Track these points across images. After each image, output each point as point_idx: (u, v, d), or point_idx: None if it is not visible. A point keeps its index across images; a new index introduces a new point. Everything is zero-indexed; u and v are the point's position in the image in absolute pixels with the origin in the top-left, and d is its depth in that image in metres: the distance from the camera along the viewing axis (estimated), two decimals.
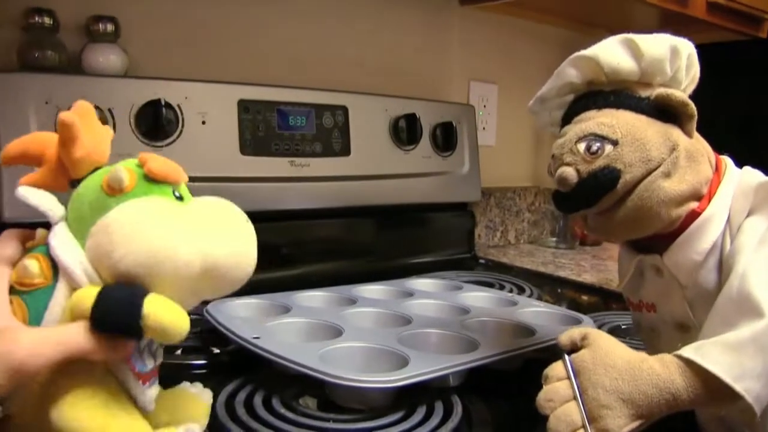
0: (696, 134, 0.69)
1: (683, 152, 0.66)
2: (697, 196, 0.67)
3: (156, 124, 1.07)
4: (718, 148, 0.73)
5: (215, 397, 0.71)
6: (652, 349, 0.76)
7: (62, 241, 0.50)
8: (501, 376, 0.83)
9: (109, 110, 1.03)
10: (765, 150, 0.73)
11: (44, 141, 0.54)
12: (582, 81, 0.72)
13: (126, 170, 0.51)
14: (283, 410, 0.69)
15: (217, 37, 1.30)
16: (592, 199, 0.67)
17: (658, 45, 0.67)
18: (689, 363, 0.59)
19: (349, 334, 0.83)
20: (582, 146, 0.66)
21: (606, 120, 0.66)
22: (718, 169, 0.69)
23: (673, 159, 0.65)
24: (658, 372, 0.59)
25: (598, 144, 0.65)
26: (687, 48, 0.68)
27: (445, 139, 1.48)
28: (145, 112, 1.07)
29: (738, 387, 0.57)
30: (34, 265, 0.50)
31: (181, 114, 1.11)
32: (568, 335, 0.66)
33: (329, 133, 1.30)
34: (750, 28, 1.82)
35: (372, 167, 1.37)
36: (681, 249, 0.68)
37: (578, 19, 1.91)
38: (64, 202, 0.54)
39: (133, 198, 0.50)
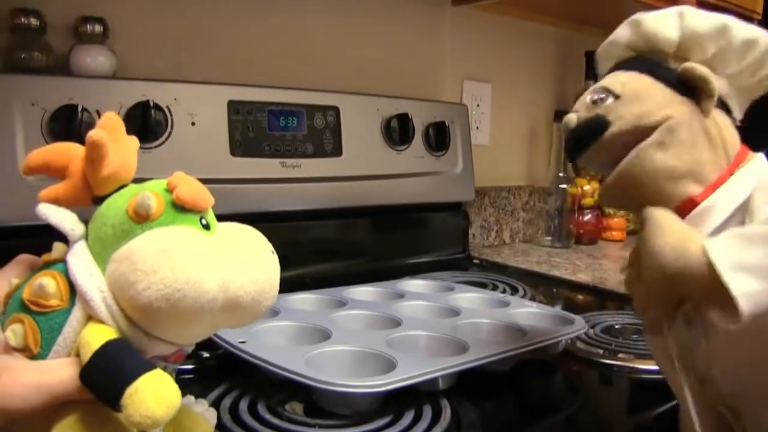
0: (721, 120, 0.66)
1: (686, 126, 0.64)
2: (697, 179, 0.64)
3: (145, 125, 1.06)
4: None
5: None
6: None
7: (82, 264, 0.48)
8: (492, 378, 0.83)
9: (97, 112, 1.02)
10: (756, 147, 0.71)
11: (69, 153, 0.52)
12: (629, 41, 0.71)
13: (154, 196, 0.49)
14: (268, 416, 0.69)
15: (206, 38, 1.29)
16: (580, 146, 0.68)
17: (706, 21, 0.66)
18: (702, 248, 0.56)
19: (337, 338, 0.82)
20: (589, 96, 0.67)
21: (621, 78, 0.67)
22: (736, 162, 0.66)
23: (669, 127, 0.63)
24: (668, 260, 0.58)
25: (602, 96, 0.66)
26: (747, 33, 0.66)
27: (438, 138, 1.47)
28: (134, 113, 1.06)
29: (726, 275, 0.53)
30: (51, 284, 0.48)
31: (171, 115, 1.10)
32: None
33: (321, 134, 1.29)
34: None
35: (364, 168, 1.36)
36: None
37: (571, 17, 1.90)
38: (83, 216, 0.52)
39: (159, 226, 0.48)
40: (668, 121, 0.63)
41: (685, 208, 0.65)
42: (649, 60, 0.68)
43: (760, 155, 0.68)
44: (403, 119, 1.40)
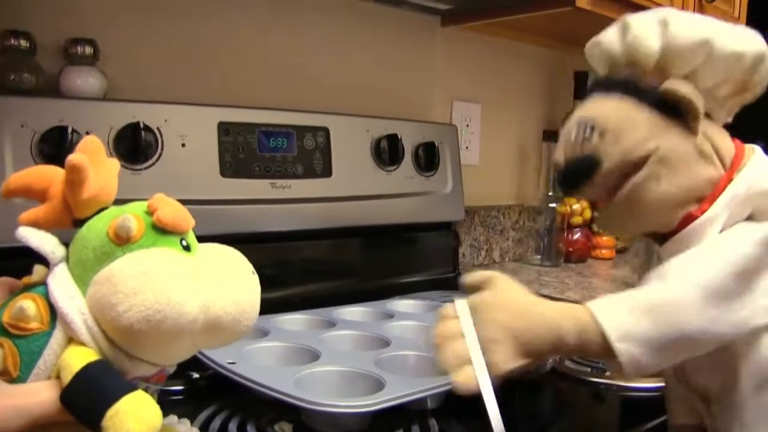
0: (709, 129, 0.66)
1: (677, 152, 0.64)
2: (695, 199, 0.65)
3: (135, 147, 1.06)
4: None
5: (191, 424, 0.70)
6: None
7: (62, 286, 0.49)
8: (480, 397, 0.83)
9: (87, 133, 1.02)
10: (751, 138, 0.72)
11: (49, 176, 0.52)
12: (612, 49, 0.70)
13: (134, 219, 0.49)
14: None
15: (196, 60, 1.30)
16: (572, 185, 0.69)
17: (688, 32, 0.64)
18: (590, 315, 0.60)
19: (326, 358, 0.83)
20: (574, 133, 0.67)
21: (604, 108, 0.67)
22: (734, 166, 0.66)
23: (659, 157, 0.64)
24: (551, 314, 0.61)
25: (588, 131, 0.66)
26: (734, 45, 0.64)
27: (428, 159, 1.48)
28: (124, 135, 1.06)
29: (617, 345, 0.58)
30: (31, 307, 0.48)
31: (161, 137, 1.11)
32: (471, 276, 0.67)
33: (311, 155, 1.30)
34: None
35: (354, 188, 1.36)
36: (676, 247, 0.66)
37: (560, 38, 1.92)
38: (64, 238, 0.52)
39: (139, 249, 0.49)
40: (657, 152, 0.64)
41: (682, 224, 0.66)
42: (629, 80, 0.67)
43: (757, 151, 0.68)
44: (393, 140, 1.41)
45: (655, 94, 0.65)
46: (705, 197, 0.65)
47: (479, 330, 0.61)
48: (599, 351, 0.60)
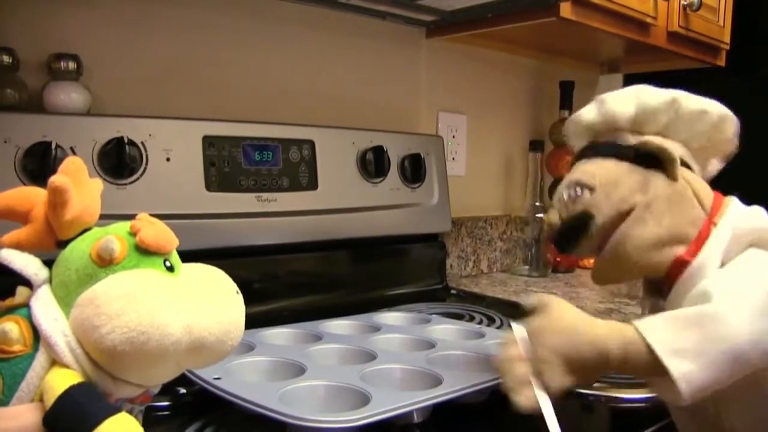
0: (689, 176, 0.71)
1: (661, 196, 0.68)
2: (681, 240, 0.68)
3: (120, 162, 1.06)
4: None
5: None
6: None
7: (46, 308, 0.49)
8: (467, 411, 0.83)
9: (72, 149, 1.02)
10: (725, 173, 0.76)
11: (31, 197, 0.52)
12: (590, 119, 0.76)
13: (117, 240, 0.49)
14: None
15: (180, 74, 1.30)
16: (571, 242, 0.73)
17: (657, 94, 0.71)
18: (635, 331, 0.62)
19: (312, 372, 0.82)
20: (565, 193, 0.72)
21: (589, 168, 0.72)
22: (714, 211, 0.70)
23: (645, 203, 0.68)
24: (596, 333, 0.64)
25: (578, 191, 0.71)
26: (696, 104, 0.72)
27: (414, 170, 1.48)
28: (109, 150, 1.06)
29: (666, 360, 0.59)
30: (14, 330, 0.48)
31: (145, 151, 1.10)
32: (529, 300, 0.71)
33: (296, 168, 1.30)
34: (709, 57, 1.85)
35: (340, 201, 1.36)
36: (677, 297, 0.69)
37: (545, 48, 1.92)
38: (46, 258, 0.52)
39: (122, 270, 0.49)
40: (646, 197, 0.69)
41: (675, 268, 0.69)
42: (607, 144, 0.74)
43: (733, 201, 0.72)
44: (379, 152, 1.41)
45: (632, 150, 0.71)
46: (689, 240, 0.68)
47: (534, 353, 0.65)
48: (647, 367, 0.61)
